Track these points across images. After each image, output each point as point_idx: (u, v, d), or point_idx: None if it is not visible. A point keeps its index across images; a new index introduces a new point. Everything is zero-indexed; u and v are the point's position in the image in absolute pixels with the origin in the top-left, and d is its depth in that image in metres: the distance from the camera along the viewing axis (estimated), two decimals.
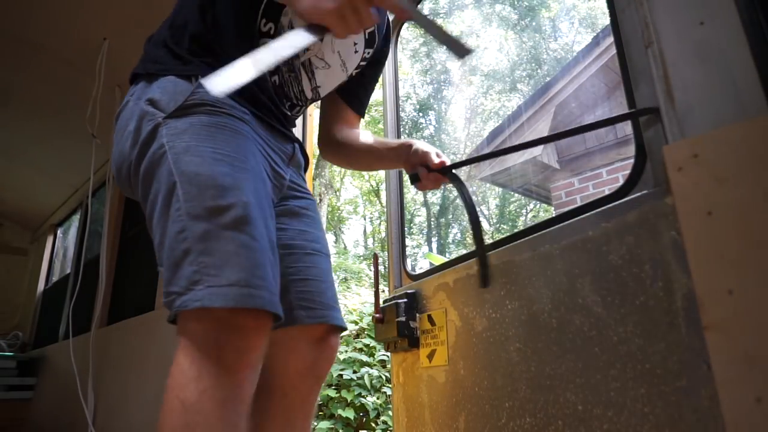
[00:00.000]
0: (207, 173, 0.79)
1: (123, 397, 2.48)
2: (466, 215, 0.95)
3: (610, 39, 4.21)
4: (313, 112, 1.92)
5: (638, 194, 0.84)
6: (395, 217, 1.67)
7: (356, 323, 4.39)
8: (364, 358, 3.94)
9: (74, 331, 2.76)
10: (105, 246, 3.03)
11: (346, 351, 4.02)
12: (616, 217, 0.87)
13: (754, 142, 0.62)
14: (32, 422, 3.79)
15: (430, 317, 1.33)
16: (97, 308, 2.96)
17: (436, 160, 1.15)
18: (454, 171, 1.15)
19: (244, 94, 0.90)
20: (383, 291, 1.59)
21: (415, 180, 1.18)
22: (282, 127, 1.03)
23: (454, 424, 1.17)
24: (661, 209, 0.79)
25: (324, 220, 10.56)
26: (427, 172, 1.15)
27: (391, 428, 3.57)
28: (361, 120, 1.31)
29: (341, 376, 3.79)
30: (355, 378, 3.78)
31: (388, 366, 3.98)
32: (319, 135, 1.30)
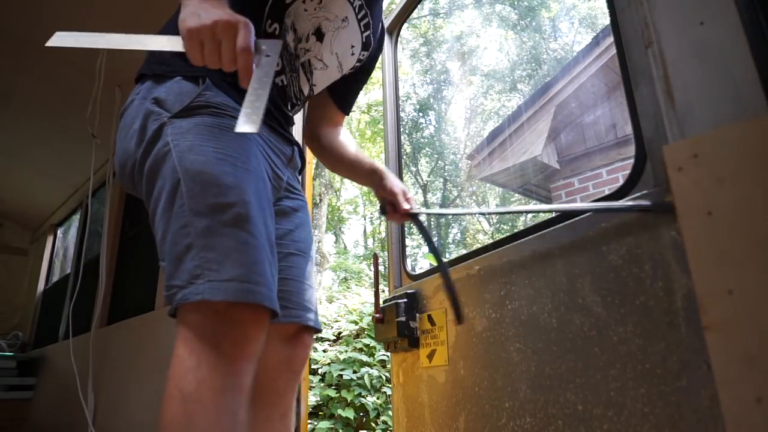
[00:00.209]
0: (210, 172, 0.81)
1: (123, 397, 2.48)
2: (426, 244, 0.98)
3: (610, 39, 4.21)
4: None
5: (638, 194, 0.84)
6: None
7: (356, 323, 4.39)
8: (364, 358, 3.94)
9: (74, 331, 2.76)
10: (105, 246, 3.03)
11: (346, 351, 4.02)
12: (616, 217, 0.87)
13: (754, 141, 0.62)
14: (32, 422, 3.79)
15: (430, 317, 1.33)
16: (97, 308, 2.96)
17: (404, 205, 1.23)
18: (417, 215, 1.24)
19: None
20: (383, 291, 1.59)
21: (383, 212, 1.27)
22: (283, 129, 1.06)
23: (454, 424, 1.17)
24: (661, 209, 0.79)
25: (324, 220, 10.56)
26: (393, 211, 1.25)
27: (391, 428, 3.57)
28: (345, 118, 1.34)
29: (341, 376, 3.79)
30: (355, 378, 3.78)
31: (388, 366, 3.97)
32: (303, 131, 1.32)
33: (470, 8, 15.39)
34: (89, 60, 2.58)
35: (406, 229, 1.72)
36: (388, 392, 3.78)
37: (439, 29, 15.13)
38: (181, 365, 0.74)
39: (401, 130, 1.82)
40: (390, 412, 3.67)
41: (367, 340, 4.10)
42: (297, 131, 1.40)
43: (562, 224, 0.98)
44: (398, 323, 1.34)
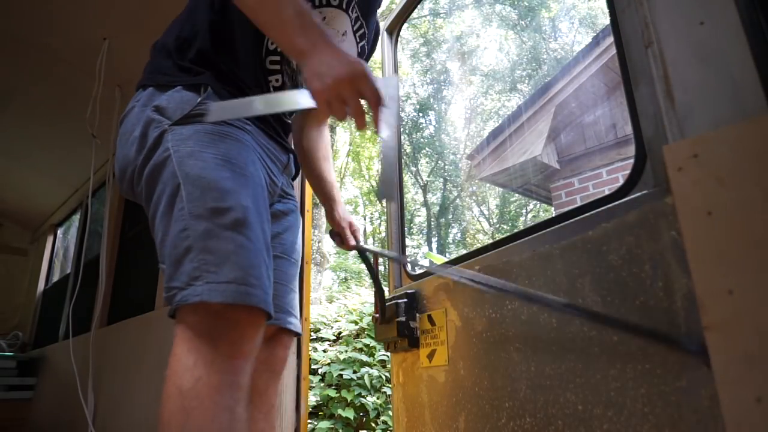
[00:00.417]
0: (209, 177, 0.83)
1: (123, 397, 2.48)
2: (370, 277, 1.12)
3: (610, 39, 4.21)
4: None
5: (638, 194, 0.84)
6: (395, 217, 1.67)
7: (356, 323, 4.39)
8: (364, 358, 3.94)
9: (74, 331, 2.76)
10: (105, 246, 3.03)
11: (346, 351, 4.02)
12: (616, 217, 0.87)
13: (754, 142, 0.62)
14: (32, 422, 3.79)
15: (430, 317, 1.33)
16: (97, 308, 2.96)
17: (351, 241, 1.36)
18: (363, 249, 1.40)
19: None
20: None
21: (332, 236, 1.40)
22: (279, 137, 1.08)
23: (454, 424, 1.17)
24: (661, 209, 0.79)
25: (324, 220, 10.55)
26: (340, 241, 1.38)
27: (391, 428, 3.57)
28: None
29: (341, 376, 3.79)
30: (355, 378, 3.78)
31: (388, 366, 3.97)
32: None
33: (470, 8, 15.38)
34: (89, 60, 2.58)
35: (406, 229, 1.72)
36: (388, 392, 3.78)
37: (439, 29, 15.12)
38: (179, 364, 0.76)
39: (401, 130, 1.82)
40: (390, 412, 3.67)
41: (367, 340, 4.10)
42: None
43: (562, 224, 0.98)
44: (398, 323, 1.34)
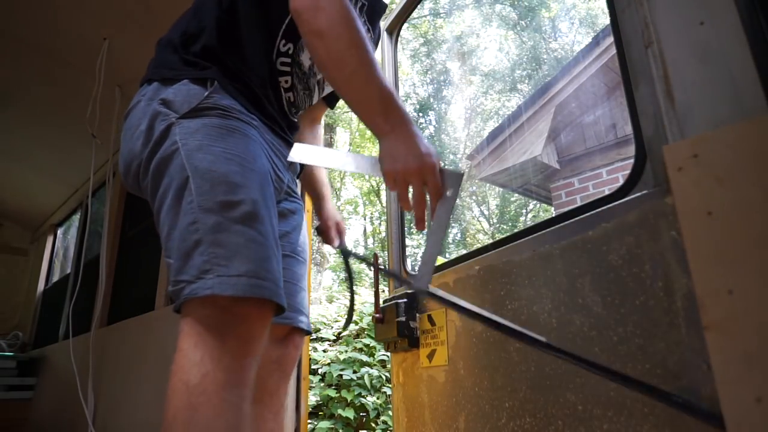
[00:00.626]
0: (219, 170, 0.83)
1: (123, 397, 2.48)
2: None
3: (610, 39, 4.21)
4: None
5: (638, 194, 0.84)
6: (395, 217, 1.67)
7: (356, 323, 4.39)
8: (364, 358, 3.94)
9: (74, 331, 2.76)
10: (105, 246, 3.03)
11: (346, 351, 4.02)
12: (616, 217, 0.87)
13: (754, 142, 0.62)
14: (32, 422, 3.79)
15: (430, 317, 1.33)
16: (97, 308, 2.95)
17: (334, 241, 1.38)
18: (346, 252, 1.40)
19: (253, 101, 0.96)
20: (383, 291, 1.59)
21: (319, 232, 1.41)
22: (285, 134, 1.08)
23: (454, 424, 1.17)
24: (661, 209, 0.79)
25: None
26: (325, 238, 1.39)
27: (391, 428, 3.56)
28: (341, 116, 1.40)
29: (341, 376, 3.79)
30: (355, 378, 3.78)
31: (388, 366, 3.97)
32: None
33: (470, 8, 15.38)
34: (89, 60, 2.58)
35: (406, 229, 1.72)
36: (388, 392, 3.78)
37: (439, 29, 15.12)
38: (185, 359, 0.75)
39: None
40: (390, 412, 3.67)
41: (367, 340, 4.10)
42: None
43: (562, 224, 0.98)
44: (398, 323, 1.34)
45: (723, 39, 0.72)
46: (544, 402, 0.95)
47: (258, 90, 0.98)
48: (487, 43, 14.99)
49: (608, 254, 0.87)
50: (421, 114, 15.30)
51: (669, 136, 0.77)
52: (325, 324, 4.61)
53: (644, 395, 0.75)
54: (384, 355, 3.96)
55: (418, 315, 1.36)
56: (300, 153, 0.96)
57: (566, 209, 1.21)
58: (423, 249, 0.93)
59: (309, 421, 3.28)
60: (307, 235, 1.23)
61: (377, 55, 1.35)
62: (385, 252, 1.72)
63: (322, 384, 3.87)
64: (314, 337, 4.35)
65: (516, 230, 1.21)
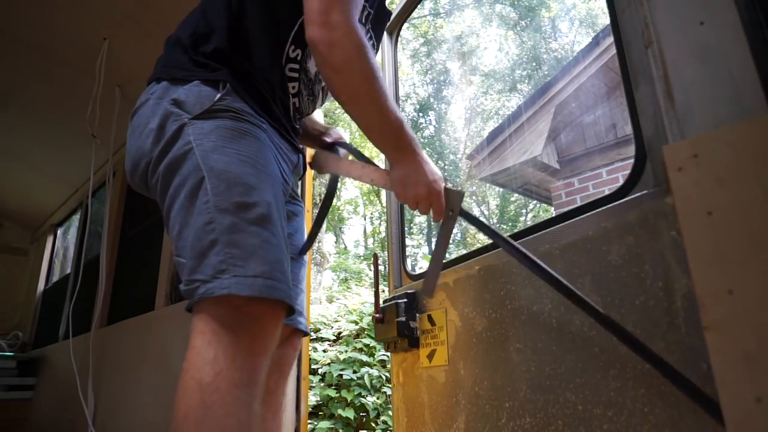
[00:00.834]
0: (235, 172, 0.84)
1: (123, 397, 2.48)
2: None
3: (610, 39, 4.21)
4: None
5: (638, 194, 0.84)
6: (395, 217, 1.67)
7: (356, 323, 4.39)
8: (364, 358, 3.94)
9: (74, 331, 2.76)
10: (105, 246, 3.03)
11: (346, 351, 4.02)
12: (616, 217, 0.87)
13: (754, 142, 0.62)
14: (32, 422, 3.79)
15: (430, 317, 1.33)
16: (97, 308, 2.96)
17: (327, 139, 1.24)
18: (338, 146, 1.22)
19: (263, 105, 0.97)
20: (383, 291, 1.59)
21: (311, 165, 1.20)
22: (291, 137, 1.09)
23: (454, 424, 1.17)
24: (661, 209, 0.79)
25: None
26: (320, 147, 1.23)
27: (391, 428, 3.57)
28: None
29: (341, 376, 3.79)
30: (355, 378, 3.78)
31: (388, 366, 3.97)
32: None
33: (470, 8, 15.38)
34: (89, 60, 2.58)
35: (406, 229, 1.72)
36: (388, 392, 3.78)
37: (439, 29, 15.12)
38: (198, 357, 0.75)
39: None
40: (390, 412, 3.67)
41: (367, 340, 4.10)
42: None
43: (562, 224, 0.98)
44: (398, 323, 1.34)
45: (723, 39, 0.72)
46: (544, 402, 0.95)
47: (266, 93, 0.99)
48: (487, 43, 15.00)
49: (608, 254, 0.87)
50: (421, 114, 15.29)
51: (669, 136, 0.77)
52: (325, 324, 4.61)
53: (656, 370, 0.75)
54: (384, 355, 3.97)
55: (418, 315, 1.36)
56: (321, 163, 1.06)
57: (566, 209, 1.21)
58: (430, 261, 1.05)
59: (309, 421, 3.28)
60: (305, 236, 1.23)
61: (377, 57, 1.35)
62: (385, 252, 1.72)
63: (322, 384, 3.87)
64: (314, 337, 4.35)
65: (516, 230, 1.21)
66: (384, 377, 3.86)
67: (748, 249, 0.60)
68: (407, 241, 1.70)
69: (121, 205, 3.36)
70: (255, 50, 0.98)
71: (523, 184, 5.30)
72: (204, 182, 0.83)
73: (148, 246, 2.86)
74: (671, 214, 0.77)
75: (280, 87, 1.02)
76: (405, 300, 1.37)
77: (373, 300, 2.08)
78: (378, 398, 3.73)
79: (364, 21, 1.09)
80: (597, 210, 0.91)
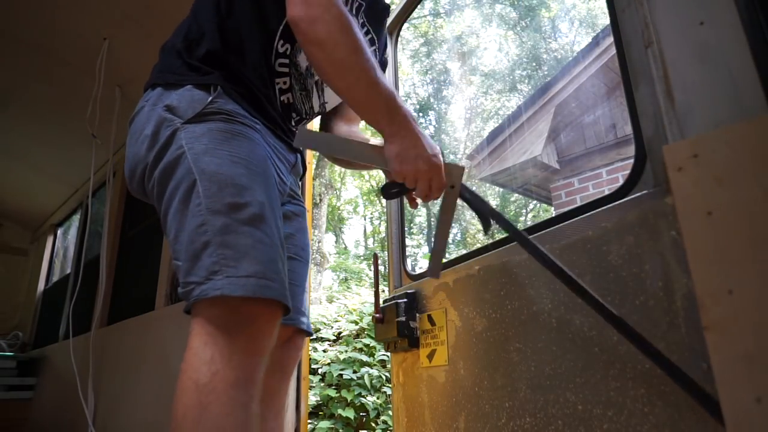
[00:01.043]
0: (226, 173, 0.84)
1: (123, 397, 2.48)
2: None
3: (610, 39, 4.20)
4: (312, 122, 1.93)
5: (638, 194, 0.84)
6: (395, 217, 1.67)
7: (356, 323, 4.39)
8: (364, 358, 3.94)
9: (74, 331, 2.76)
10: (105, 246, 3.03)
11: (346, 351, 4.02)
12: (616, 217, 0.87)
13: (754, 142, 0.62)
14: (32, 422, 3.79)
15: (430, 317, 1.33)
16: (97, 308, 2.96)
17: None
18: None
19: (256, 105, 0.97)
20: (383, 291, 1.59)
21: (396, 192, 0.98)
22: (287, 137, 1.08)
23: (454, 424, 1.17)
24: (661, 209, 0.79)
25: (324, 220, 10.55)
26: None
27: (391, 428, 3.56)
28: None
29: (341, 376, 3.79)
30: (355, 378, 3.78)
31: (388, 366, 3.97)
32: (320, 129, 1.33)
33: (470, 8, 15.38)
34: (89, 60, 2.58)
35: (406, 229, 1.73)
36: (388, 392, 3.78)
37: (439, 29, 15.11)
38: (195, 358, 0.76)
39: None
40: (390, 412, 3.67)
41: (367, 340, 4.10)
42: None
43: (562, 224, 0.98)
44: (398, 323, 1.34)
45: (723, 39, 0.72)
46: (544, 402, 0.95)
47: (259, 93, 0.99)
48: (487, 43, 14.99)
49: (608, 254, 0.87)
50: (421, 114, 15.29)
51: (669, 136, 0.77)
52: (325, 324, 4.61)
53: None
54: (384, 355, 3.96)
55: (418, 315, 1.36)
56: (304, 139, 0.92)
57: (566, 209, 1.21)
58: (433, 241, 0.97)
59: (309, 420, 3.28)
60: (308, 236, 1.23)
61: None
62: (385, 252, 1.72)
63: (322, 384, 3.87)
64: (314, 337, 4.35)
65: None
66: (384, 377, 3.86)
67: (748, 249, 0.60)
68: (407, 241, 1.70)
69: (121, 205, 3.36)
70: (247, 46, 0.98)
71: (523, 184, 5.30)
72: (196, 185, 0.83)
73: (148, 246, 2.86)
74: (671, 214, 0.77)
75: (270, 84, 1.02)
76: (405, 300, 1.37)
77: (373, 300, 2.08)
78: (378, 398, 3.73)
79: (355, 12, 1.07)
80: (597, 210, 0.91)
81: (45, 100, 3.17)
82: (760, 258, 0.59)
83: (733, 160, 0.63)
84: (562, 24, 15.02)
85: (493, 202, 15.37)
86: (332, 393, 3.73)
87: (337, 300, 5.51)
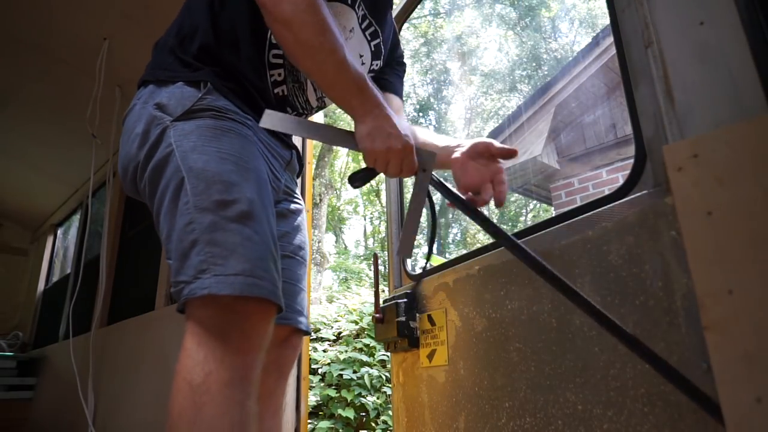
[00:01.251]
0: (214, 170, 0.83)
1: (123, 397, 2.48)
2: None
3: (610, 39, 4.21)
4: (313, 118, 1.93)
5: (638, 194, 0.84)
6: (395, 217, 1.67)
7: (356, 323, 4.39)
8: (364, 358, 3.94)
9: (74, 331, 2.76)
10: (105, 246, 3.03)
11: (346, 351, 4.02)
12: (616, 217, 0.87)
13: (754, 142, 0.62)
14: (32, 422, 3.79)
15: (430, 317, 1.33)
16: (97, 308, 2.96)
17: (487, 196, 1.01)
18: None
19: (248, 101, 0.96)
20: (383, 291, 1.59)
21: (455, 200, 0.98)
22: (282, 134, 1.07)
23: (454, 424, 1.17)
24: (661, 209, 0.79)
25: (324, 220, 10.56)
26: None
27: (391, 428, 3.57)
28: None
29: (341, 376, 3.79)
30: (355, 378, 3.78)
31: (388, 366, 3.97)
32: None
33: (470, 8, 15.38)
34: (89, 60, 2.58)
35: None
36: (388, 392, 3.78)
37: (439, 29, 15.12)
38: (189, 358, 0.75)
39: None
40: (390, 412, 3.67)
41: (367, 340, 4.10)
42: (297, 138, 1.40)
43: (562, 224, 0.98)
44: (398, 323, 1.34)
45: (723, 39, 0.72)
46: (544, 402, 0.95)
47: (253, 87, 0.98)
48: (487, 43, 14.99)
49: (608, 254, 0.87)
50: (421, 114, 15.30)
51: (669, 136, 0.77)
52: (325, 324, 4.61)
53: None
54: (384, 355, 3.97)
55: (418, 315, 1.36)
56: (271, 120, 0.86)
57: (566, 209, 1.21)
58: (405, 221, 0.96)
59: (309, 420, 3.28)
60: (307, 235, 1.23)
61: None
62: (385, 252, 1.72)
63: (322, 384, 3.87)
64: (314, 337, 4.35)
65: (516, 230, 1.20)
66: (384, 377, 3.86)
67: (748, 249, 0.60)
68: None
69: (121, 205, 3.36)
70: (241, 39, 0.97)
71: (523, 184, 5.30)
72: (184, 183, 0.82)
73: (148, 246, 2.86)
74: (671, 214, 0.77)
75: (265, 76, 1.01)
76: (405, 300, 1.37)
77: (373, 300, 2.08)
78: (378, 398, 3.73)
79: (351, 3, 1.05)
80: (597, 210, 0.91)
81: (45, 100, 3.17)
82: (760, 258, 0.59)
83: (733, 160, 0.63)
84: (562, 24, 15.03)
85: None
86: (332, 393, 3.73)
87: (337, 300, 5.52)
